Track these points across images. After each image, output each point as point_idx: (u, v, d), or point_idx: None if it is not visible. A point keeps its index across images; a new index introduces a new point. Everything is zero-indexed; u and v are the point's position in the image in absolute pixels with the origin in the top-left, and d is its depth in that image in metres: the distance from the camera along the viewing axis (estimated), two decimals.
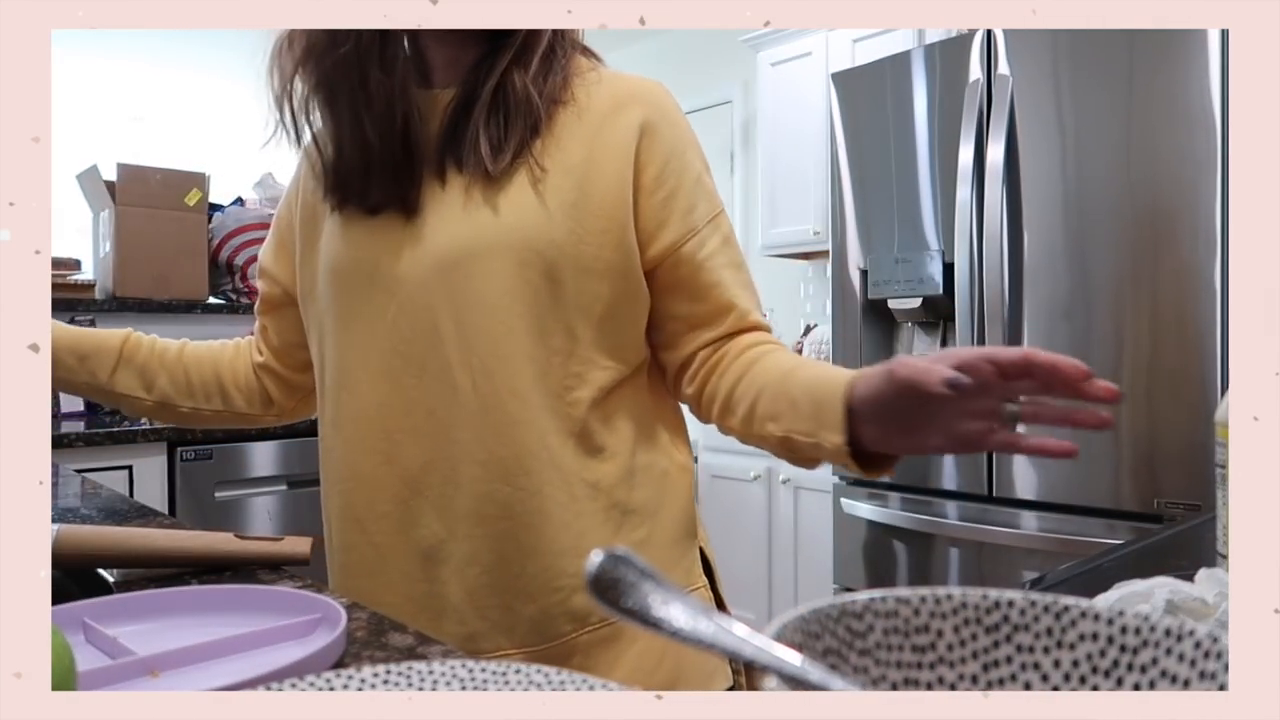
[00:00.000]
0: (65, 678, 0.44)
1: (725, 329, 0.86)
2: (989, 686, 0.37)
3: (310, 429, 2.46)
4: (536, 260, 0.80)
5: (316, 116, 0.88)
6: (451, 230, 0.81)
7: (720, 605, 0.94)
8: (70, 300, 2.52)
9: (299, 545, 0.82)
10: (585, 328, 0.83)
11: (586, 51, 0.90)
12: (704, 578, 0.93)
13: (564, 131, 0.83)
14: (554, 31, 0.85)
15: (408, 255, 0.82)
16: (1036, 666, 0.37)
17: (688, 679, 0.87)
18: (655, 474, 0.88)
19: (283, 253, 0.98)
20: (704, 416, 0.88)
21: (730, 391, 0.84)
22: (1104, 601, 0.52)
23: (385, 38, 0.82)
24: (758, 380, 0.82)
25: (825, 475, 2.73)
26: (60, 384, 1.01)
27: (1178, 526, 1.15)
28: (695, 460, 3.44)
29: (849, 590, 1.80)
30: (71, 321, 2.46)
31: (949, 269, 2.27)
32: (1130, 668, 0.35)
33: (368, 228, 0.85)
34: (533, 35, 0.83)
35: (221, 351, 1.06)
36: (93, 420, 2.35)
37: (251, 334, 1.07)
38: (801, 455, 0.80)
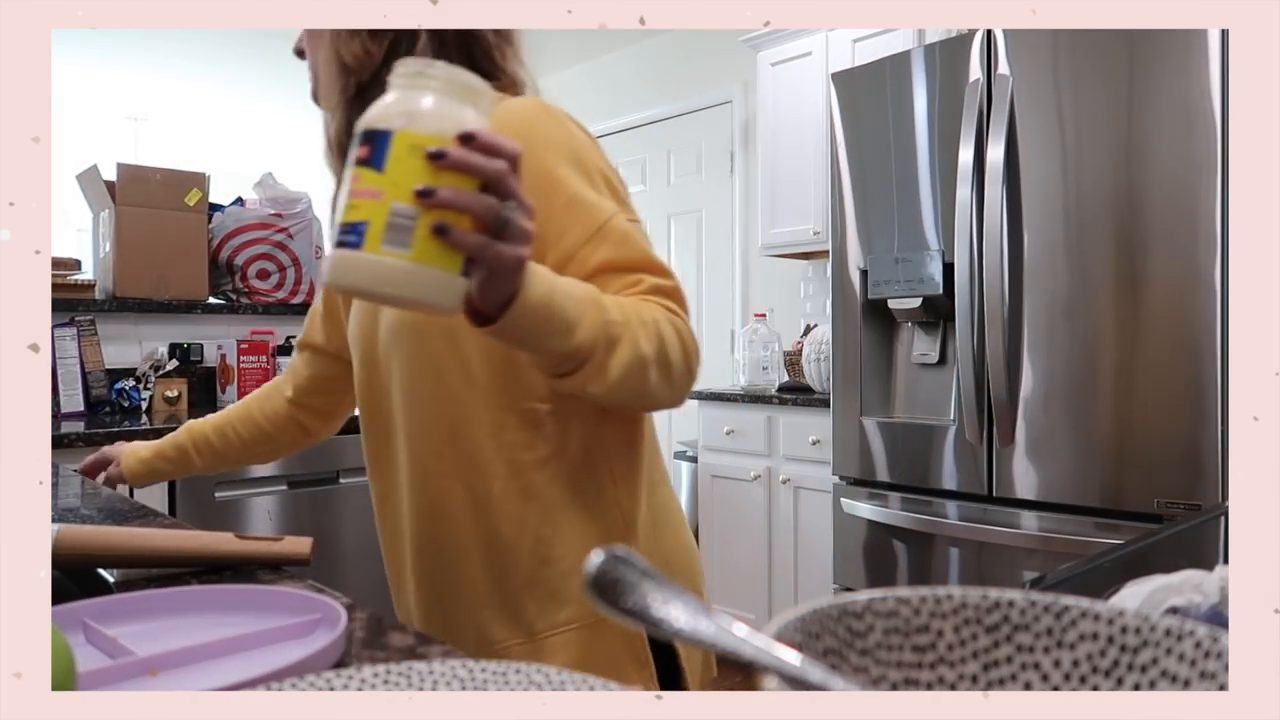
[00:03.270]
0: (65, 678, 0.44)
1: None
2: (989, 686, 0.37)
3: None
4: None
5: None
6: None
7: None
8: (70, 300, 2.51)
9: (299, 545, 0.82)
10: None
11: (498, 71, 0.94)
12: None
13: None
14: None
15: None
16: (1036, 666, 0.37)
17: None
18: None
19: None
20: None
21: None
22: (1133, 597, 0.52)
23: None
24: None
25: (825, 475, 2.73)
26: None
27: (1178, 526, 1.15)
28: (694, 460, 3.42)
29: (849, 590, 1.80)
30: (71, 322, 2.47)
31: (949, 269, 2.27)
32: (1130, 668, 0.35)
33: None
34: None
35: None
36: (93, 420, 2.34)
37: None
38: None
